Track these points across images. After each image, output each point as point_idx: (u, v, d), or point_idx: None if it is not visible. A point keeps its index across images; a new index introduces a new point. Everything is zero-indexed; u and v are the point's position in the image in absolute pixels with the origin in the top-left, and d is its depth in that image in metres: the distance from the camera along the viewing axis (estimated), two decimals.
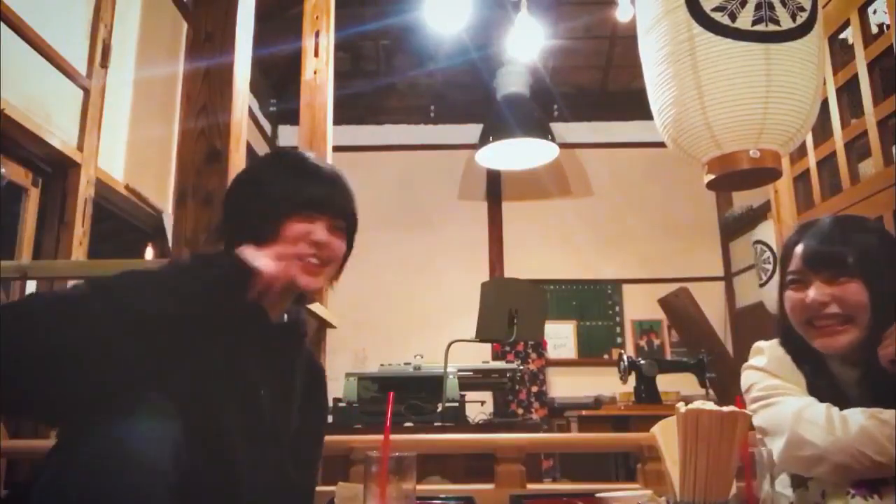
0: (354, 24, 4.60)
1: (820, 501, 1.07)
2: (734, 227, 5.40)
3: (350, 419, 2.47)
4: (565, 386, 5.30)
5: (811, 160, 2.43)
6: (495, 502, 1.53)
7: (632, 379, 3.57)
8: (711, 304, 5.02)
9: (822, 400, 1.11)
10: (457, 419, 2.47)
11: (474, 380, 2.85)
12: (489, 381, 2.97)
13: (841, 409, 1.08)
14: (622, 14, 3.70)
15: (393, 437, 1.00)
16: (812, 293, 1.15)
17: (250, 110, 4.86)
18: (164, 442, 0.82)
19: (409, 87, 5.75)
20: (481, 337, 2.61)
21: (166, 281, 0.92)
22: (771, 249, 4.31)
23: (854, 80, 2.22)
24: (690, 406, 0.97)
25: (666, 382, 3.64)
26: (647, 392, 3.52)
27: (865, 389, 1.13)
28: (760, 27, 1.35)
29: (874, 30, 2.21)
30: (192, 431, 0.86)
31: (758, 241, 4.56)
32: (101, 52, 3.02)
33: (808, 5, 1.39)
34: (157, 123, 3.66)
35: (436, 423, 2.46)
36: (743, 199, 5.16)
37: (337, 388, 2.30)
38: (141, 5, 3.53)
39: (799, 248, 1.19)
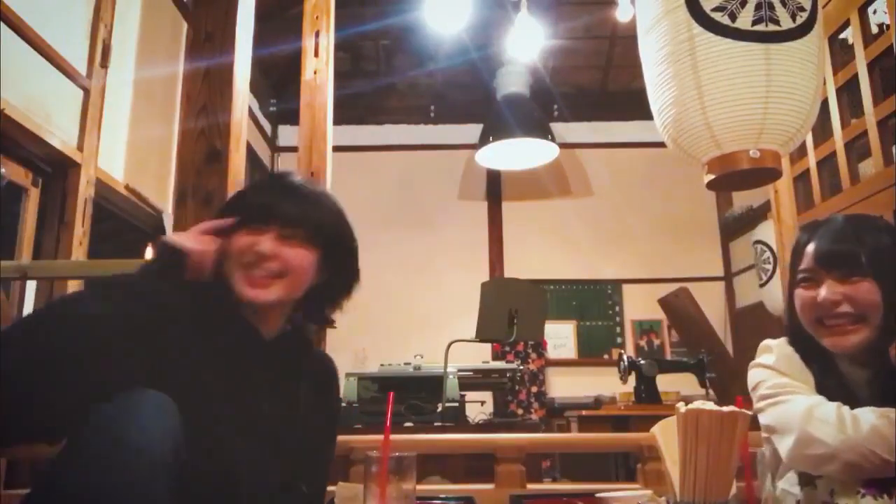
0: (354, 24, 4.60)
1: (829, 500, 1.07)
2: (734, 227, 5.40)
3: (350, 419, 2.47)
4: (565, 386, 5.30)
5: (811, 160, 2.43)
6: (495, 502, 1.53)
7: (632, 379, 3.57)
8: (711, 304, 5.02)
9: (830, 400, 1.11)
10: (457, 419, 2.47)
11: (474, 380, 2.85)
12: (489, 381, 2.97)
13: (850, 408, 1.07)
14: (622, 14, 3.70)
15: (393, 437, 1.01)
16: (824, 292, 1.14)
17: (250, 110, 4.86)
18: (166, 432, 0.83)
19: (409, 87, 5.75)
20: (481, 337, 2.60)
21: (109, 281, 0.95)
22: (771, 249, 4.30)
23: (854, 80, 2.22)
24: (690, 406, 0.97)
25: (666, 382, 3.65)
26: (647, 392, 3.52)
27: (875, 389, 1.12)
28: (760, 27, 1.35)
29: (874, 30, 2.21)
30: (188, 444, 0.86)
31: (758, 241, 4.56)
32: (101, 52, 3.02)
33: (808, 5, 1.39)
34: (157, 123, 3.66)
35: (436, 423, 2.46)
36: (743, 199, 5.16)
37: None
38: (141, 5, 3.53)
39: (811, 247, 1.18)
